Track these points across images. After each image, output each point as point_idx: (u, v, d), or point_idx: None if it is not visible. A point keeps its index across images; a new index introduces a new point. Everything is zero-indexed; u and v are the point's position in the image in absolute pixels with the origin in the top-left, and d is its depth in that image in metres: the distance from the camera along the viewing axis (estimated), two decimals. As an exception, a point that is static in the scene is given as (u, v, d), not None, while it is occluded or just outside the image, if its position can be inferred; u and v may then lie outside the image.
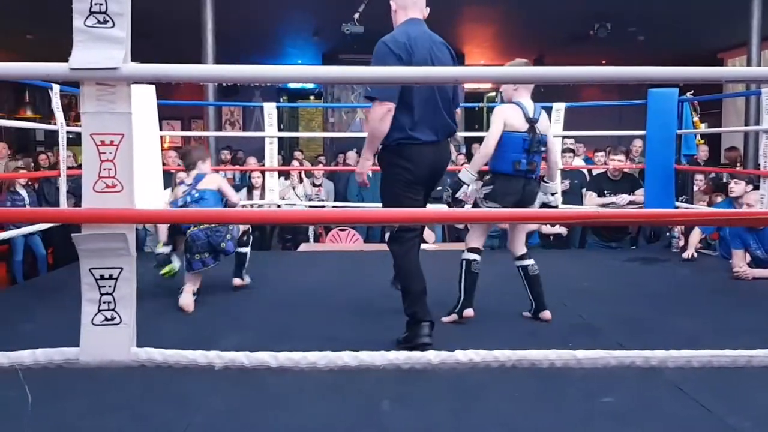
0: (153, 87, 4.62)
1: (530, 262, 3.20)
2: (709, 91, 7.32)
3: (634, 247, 5.68)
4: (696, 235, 4.91)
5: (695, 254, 4.77)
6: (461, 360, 1.24)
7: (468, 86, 12.45)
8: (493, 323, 3.13)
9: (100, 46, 1.25)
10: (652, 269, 4.58)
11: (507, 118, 3.08)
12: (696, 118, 5.63)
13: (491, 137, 3.06)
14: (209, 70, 1.33)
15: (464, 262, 3.14)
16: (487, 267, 3.21)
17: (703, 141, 7.07)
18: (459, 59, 11.19)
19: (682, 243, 5.31)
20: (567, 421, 2.08)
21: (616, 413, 2.11)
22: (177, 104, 7.39)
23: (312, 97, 14.26)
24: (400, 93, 2.66)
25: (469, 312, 3.10)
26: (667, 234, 5.52)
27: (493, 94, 13.80)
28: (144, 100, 4.56)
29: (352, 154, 8.49)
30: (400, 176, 2.76)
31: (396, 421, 2.06)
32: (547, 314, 3.18)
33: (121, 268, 1.31)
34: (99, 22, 1.25)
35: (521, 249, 3.22)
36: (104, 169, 1.27)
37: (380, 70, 1.23)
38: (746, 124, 7.27)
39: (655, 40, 9.32)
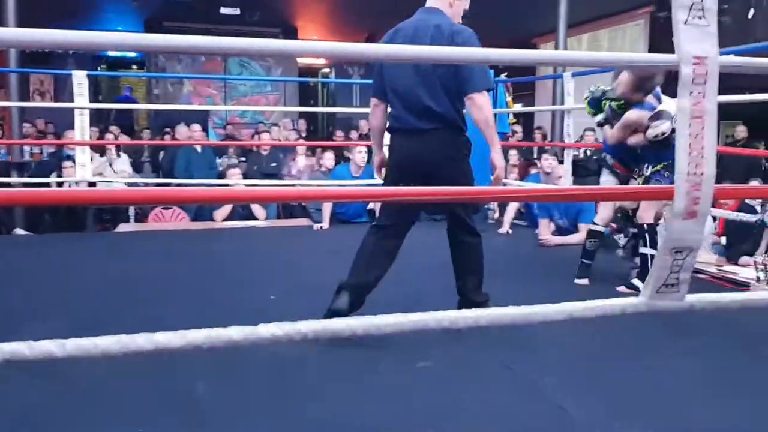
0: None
1: None
2: (523, 74, 7.87)
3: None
4: (510, 212, 5.33)
5: (510, 231, 5.18)
6: (263, 335, 1.22)
7: (301, 61, 12.37)
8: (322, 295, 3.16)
9: None
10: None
11: None
12: (509, 99, 6.06)
13: None
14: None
15: (647, 235, 3.19)
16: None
17: (515, 121, 7.62)
18: (292, 34, 11.16)
19: (497, 215, 5.79)
20: (386, 389, 2.14)
21: (431, 377, 2.21)
22: (-28, 71, 6.55)
23: (135, 66, 13.33)
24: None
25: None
26: (485, 207, 5.96)
27: (327, 70, 13.84)
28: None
29: (181, 129, 8.11)
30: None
31: (212, 403, 2.01)
32: None
33: None
34: None
35: None
36: None
37: (213, 40, 1.09)
38: (553, 104, 7.96)
39: (478, 25, 9.85)
